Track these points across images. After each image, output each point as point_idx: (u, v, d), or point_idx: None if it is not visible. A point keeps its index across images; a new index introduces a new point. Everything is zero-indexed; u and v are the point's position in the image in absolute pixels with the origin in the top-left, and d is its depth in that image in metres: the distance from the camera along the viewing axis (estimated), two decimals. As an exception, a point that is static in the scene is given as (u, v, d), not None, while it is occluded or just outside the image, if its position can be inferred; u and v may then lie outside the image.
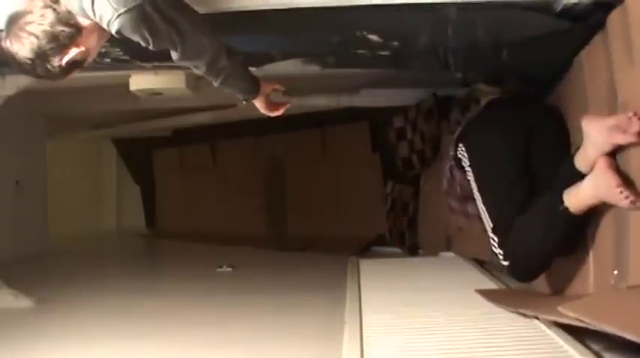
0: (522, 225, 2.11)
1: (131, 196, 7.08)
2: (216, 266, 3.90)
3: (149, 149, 6.79)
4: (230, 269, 3.85)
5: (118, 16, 1.61)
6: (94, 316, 2.75)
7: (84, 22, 1.69)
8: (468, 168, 2.35)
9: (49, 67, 1.69)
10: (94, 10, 1.64)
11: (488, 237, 2.25)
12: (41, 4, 1.66)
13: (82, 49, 1.71)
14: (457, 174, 2.45)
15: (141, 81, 3.13)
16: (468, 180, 2.35)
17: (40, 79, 1.78)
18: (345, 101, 4.03)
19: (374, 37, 2.12)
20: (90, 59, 1.78)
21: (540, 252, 2.11)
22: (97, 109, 4.70)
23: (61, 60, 1.69)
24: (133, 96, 3.32)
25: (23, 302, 2.95)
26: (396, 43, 2.17)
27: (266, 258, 4.66)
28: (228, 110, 4.63)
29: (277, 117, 2.16)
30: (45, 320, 2.71)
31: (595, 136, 1.86)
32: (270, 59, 2.33)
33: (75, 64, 1.73)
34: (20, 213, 4.61)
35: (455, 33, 2.05)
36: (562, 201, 1.95)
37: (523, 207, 2.13)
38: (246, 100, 2.08)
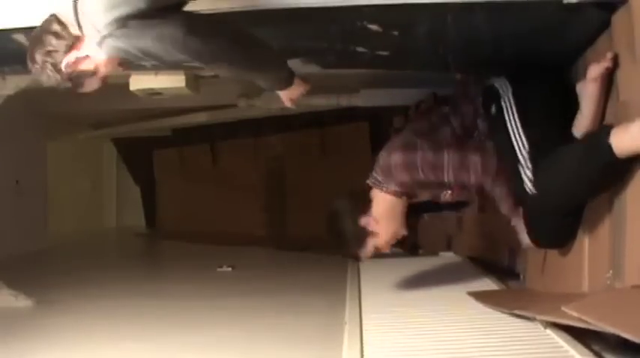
0: (561, 154, 1.94)
1: (131, 196, 7.08)
2: (216, 266, 3.90)
3: (149, 149, 6.79)
4: (230, 269, 3.85)
5: (101, 43, 1.69)
6: (94, 316, 2.75)
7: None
8: (507, 95, 2.15)
9: (54, 70, 1.75)
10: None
11: (520, 164, 2.06)
12: (52, 17, 1.76)
13: (83, 53, 1.74)
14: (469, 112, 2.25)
15: (141, 81, 3.13)
16: (499, 110, 2.14)
17: (49, 82, 1.80)
18: (345, 101, 4.03)
19: (374, 27, 2.11)
20: (102, 70, 1.81)
21: (571, 188, 1.93)
22: (97, 109, 4.70)
23: (63, 57, 1.73)
24: (133, 96, 3.32)
25: (23, 302, 2.95)
26: (396, 33, 2.16)
27: (266, 258, 4.66)
28: (228, 110, 4.64)
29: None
30: (45, 320, 2.71)
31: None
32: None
33: (82, 74, 1.78)
34: (20, 213, 4.61)
35: (454, 21, 2.04)
36: (608, 136, 1.77)
37: (564, 137, 1.99)
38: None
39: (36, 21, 1.82)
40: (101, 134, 6.17)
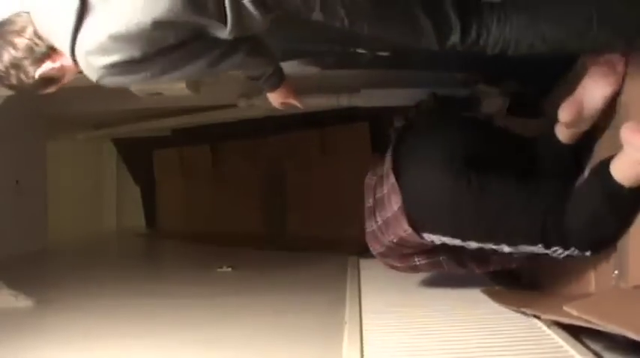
0: (586, 205, 1.86)
1: (131, 196, 7.08)
2: (216, 266, 3.89)
3: (149, 149, 6.78)
4: (230, 269, 3.85)
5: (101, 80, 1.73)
6: (94, 316, 2.75)
7: None
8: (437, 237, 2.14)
9: (22, 77, 1.76)
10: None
11: (543, 257, 2.01)
12: (24, 18, 1.74)
13: (57, 65, 1.76)
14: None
15: (141, 81, 3.13)
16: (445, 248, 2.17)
17: (12, 89, 1.82)
18: (345, 101, 4.02)
19: None
20: (68, 77, 1.83)
21: (621, 230, 1.81)
22: (97, 109, 4.69)
23: (34, 71, 1.75)
24: (133, 96, 3.32)
25: (23, 302, 2.95)
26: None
27: (266, 258, 4.66)
28: (228, 110, 4.63)
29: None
30: (45, 320, 2.71)
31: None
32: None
33: (51, 81, 1.80)
34: (20, 213, 4.60)
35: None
36: (611, 178, 1.75)
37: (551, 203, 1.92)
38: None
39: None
40: (101, 134, 6.16)
